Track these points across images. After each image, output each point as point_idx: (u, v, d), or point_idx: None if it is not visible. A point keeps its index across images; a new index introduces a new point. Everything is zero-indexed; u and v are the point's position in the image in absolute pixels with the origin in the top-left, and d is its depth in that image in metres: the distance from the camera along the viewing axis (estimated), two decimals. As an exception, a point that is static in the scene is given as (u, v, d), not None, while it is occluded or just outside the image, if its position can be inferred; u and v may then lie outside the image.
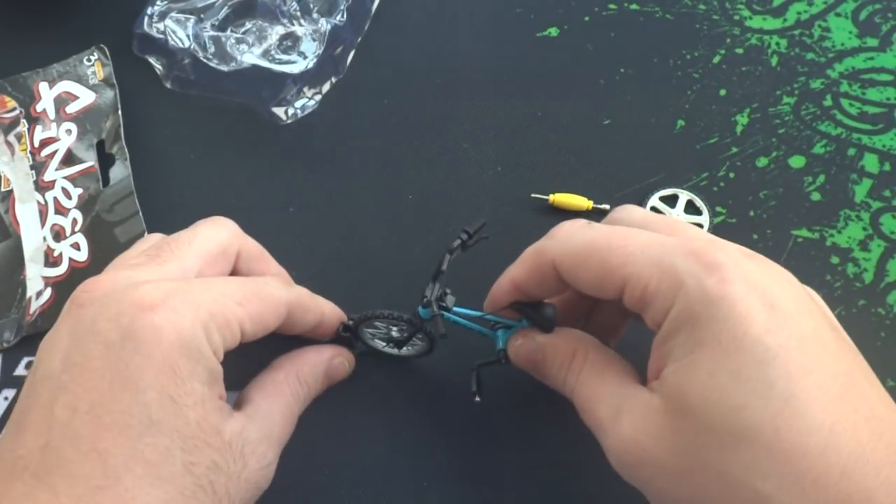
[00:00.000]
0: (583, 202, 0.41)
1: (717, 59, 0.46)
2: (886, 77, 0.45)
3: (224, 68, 0.42)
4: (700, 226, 0.40)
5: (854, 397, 0.24)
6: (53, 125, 0.43)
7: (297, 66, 0.42)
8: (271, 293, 0.31)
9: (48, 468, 0.25)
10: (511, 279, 0.32)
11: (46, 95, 0.43)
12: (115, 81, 0.44)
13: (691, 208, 0.41)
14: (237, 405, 0.30)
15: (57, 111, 0.43)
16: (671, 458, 0.26)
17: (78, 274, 0.39)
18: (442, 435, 0.36)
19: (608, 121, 0.44)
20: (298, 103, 0.44)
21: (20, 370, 0.38)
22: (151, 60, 0.45)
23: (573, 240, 0.30)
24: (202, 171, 0.43)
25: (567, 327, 0.33)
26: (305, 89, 0.43)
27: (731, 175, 0.42)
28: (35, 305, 0.39)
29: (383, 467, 0.35)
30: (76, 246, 0.40)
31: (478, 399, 0.33)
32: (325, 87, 0.45)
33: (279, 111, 0.43)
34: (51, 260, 0.40)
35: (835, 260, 0.40)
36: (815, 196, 0.41)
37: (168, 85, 0.45)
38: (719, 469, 0.25)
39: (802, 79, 0.45)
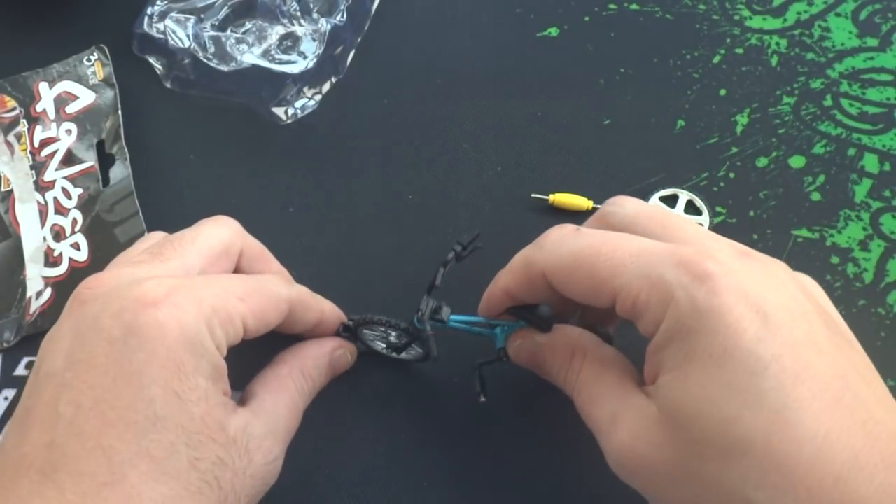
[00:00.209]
0: (583, 202, 0.41)
1: (717, 59, 0.46)
2: (886, 77, 0.45)
3: (224, 68, 0.42)
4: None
5: (848, 402, 0.24)
6: (53, 125, 0.43)
7: (297, 66, 0.42)
8: (273, 290, 0.31)
9: (54, 465, 0.25)
10: (502, 288, 0.32)
11: (46, 95, 0.43)
12: (115, 81, 0.44)
13: (691, 208, 0.41)
14: (242, 401, 0.31)
15: (57, 111, 0.43)
16: (666, 466, 0.26)
17: (78, 274, 0.39)
18: (442, 435, 0.36)
19: (608, 121, 0.44)
20: (298, 103, 0.44)
21: (20, 370, 0.38)
22: (151, 60, 0.45)
23: (561, 249, 0.29)
24: (202, 171, 0.43)
25: (566, 325, 0.32)
26: (305, 89, 0.43)
27: (731, 175, 0.42)
28: (35, 305, 0.39)
29: (383, 467, 0.35)
30: (76, 246, 0.40)
31: (483, 399, 0.33)
32: (325, 87, 0.45)
33: (279, 111, 0.43)
34: (51, 260, 0.40)
35: (835, 260, 0.40)
36: (815, 196, 0.41)
37: (168, 85, 0.45)
38: (713, 479, 0.25)
39: (802, 79, 0.45)
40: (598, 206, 0.41)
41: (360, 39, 0.46)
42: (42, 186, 0.42)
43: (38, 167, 0.42)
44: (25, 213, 0.41)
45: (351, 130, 0.44)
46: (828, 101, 0.44)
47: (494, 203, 0.42)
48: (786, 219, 0.41)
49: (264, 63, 0.42)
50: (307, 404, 0.33)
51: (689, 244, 0.28)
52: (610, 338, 0.34)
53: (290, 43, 0.43)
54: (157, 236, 0.33)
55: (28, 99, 0.44)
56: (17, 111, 0.43)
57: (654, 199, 0.41)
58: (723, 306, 0.25)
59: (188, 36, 0.43)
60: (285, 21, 0.43)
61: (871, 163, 0.42)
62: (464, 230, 0.41)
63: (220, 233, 0.32)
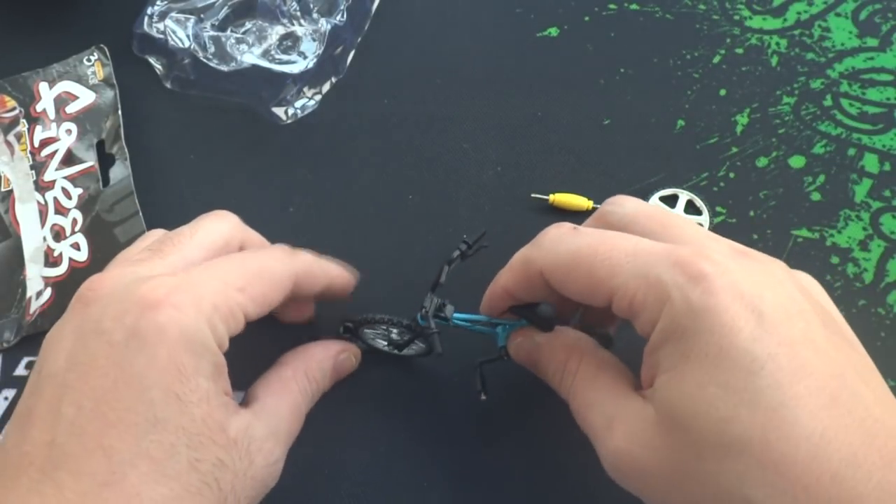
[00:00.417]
0: (583, 202, 0.41)
1: (717, 59, 0.46)
2: (886, 77, 0.45)
3: (224, 68, 0.42)
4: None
5: (846, 400, 0.24)
6: (53, 125, 0.43)
7: (297, 66, 0.42)
8: (274, 269, 0.31)
9: (54, 464, 0.25)
10: (502, 287, 0.32)
11: (46, 95, 0.43)
12: (115, 81, 0.44)
13: (691, 208, 0.41)
14: (244, 403, 0.31)
15: (57, 111, 0.43)
16: (664, 468, 0.26)
17: (78, 274, 0.39)
18: (442, 435, 0.36)
19: (608, 121, 0.44)
20: (298, 103, 0.44)
21: (20, 370, 0.38)
22: (151, 60, 0.45)
23: (559, 249, 0.29)
24: (202, 171, 0.43)
25: (567, 327, 0.32)
26: (305, 89, 0.43)
27: (731, 175, 0.42)
28: (35, 305, 0.39)
29: (383, 467, 0.35)
30: (76, 246, 0.40)
31: (483, 397, 0.33)
32: (325, 87, 0.45)
33: (279, 111, 0.43)
34: (51, 260, 0.40)
35: (835, 260, 0.40)
36: (815, 196, 0.41)
37: (168, 85, 0.45)
38: (711, 479, 0.25)
39: (802, 79, 0.45)
40: (598, 205, 0.41)
41: (360, 39, 0.46)
42: (42, 186, 0.42)
43: (38, 167, 0.42)
44: (25, 213, 0.41)
45: (351, 130, 0.44)
46: (828, 101, 0.44)
47: (494, 203, 0.42)
48: (786, 219, 0.41)
49: (264, 63, 0.42)
50: (310, 407, 0.33)
51: (687, 244, 0.28)
52: (610, 339, 0.34)
53: (290, 43, 0.43)
54: (157, 234, 0.33)
55: (28, 99, 0.44)
56: (17, 111, 0.43)
57: (654, 199, 0.41)
58: (718, 306, 0.25)
59: (188, 36, 0.43)
60: (285, 21, 0.43)
61: (871, 163, 0.42)
62: (464, 230, 0.41)
63: (219, 227, 0.32)
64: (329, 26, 0.43)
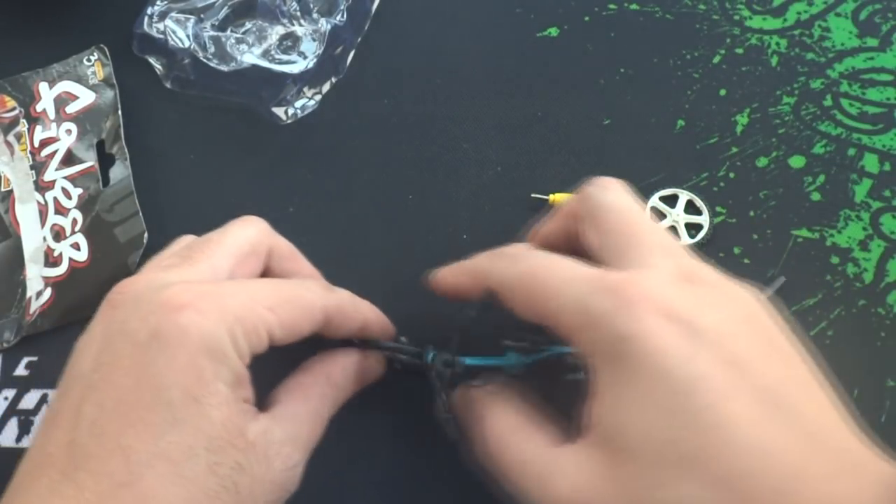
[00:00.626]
0: (583, 202, 0.41)
1: (717, 59, 0.46)
2: (886, 77, 0.45)
3: (224, 68, 0.42)
4: (700, 226, 0.40)
5: (787, 415, 0.25)
6: (53, 125, 0.43)
7: (297, 66, 0.42)
8: (307, 299, 0.30)
9: (74, 464, 0.25)
10: (454, 282, 0.33)
11: (46, 95, 0.43)
12: (115, 81, 0.44)
13: (691, 208, 0.41)
14: (264, 407, 0.30)
15: (57, 111, 0.43)
16: (617, 502, 0.26)
17: (78, 274, 0.39)
18: (442, 435, 0.36)
19: (608, 121, 0.44)
20: (298, 103, 0.44)
21: (20, 370, 0.38)
22: (151, 60, 0.45)
23: (510, 270, 0.30)
24: (202, 171, 0.43)
25: (493, 382, 0.32)
26: (305, 89, 0.43)
27: (731, 175, 0.42)
28: (35, 305, 0.39)
29: (383, 468, 0.35)
30: (76, 246, 0.40)
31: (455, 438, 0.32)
32: (325, 87, 0.45)
33: (279, 111, 0.43)
34: (51, 260, 0.40)
35: (835, 260, 0.40)
36: (815, 196, 0.41)
37: (168, 85, 0.45)
38: None
39: (802, 79, 0.45)
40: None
41: (360, 39, 0.46)
42: (42, 186, 0.42)
43: (38, 167, 0.42)
44: (25, 213, 0.41)
45: (351, 130, 0.44)
46: (828, 101, 0.44)
47: (494, 203, 0.42)
48: (786, 219, 0.41)
49: (264, 63, 0.42)
50: (332, 412, 0.32)
51: (630, 264, 0.28)
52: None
53: (290, 43, 0.43)
54: (187, 240, 0.33)
55: (28, 99, 0.44)
56: (17, 111, 0.43)
57: (655, 199, 0.41)
58: (645, 330, 0.25)
59: (188, 36, 0.43)
60: (285, 21, 0.43)
61: (871, 163, 0.42)
62: (464, 230, 0.41)
63: (247, 233, 0.32)
64: (329, 26, 0.43)
